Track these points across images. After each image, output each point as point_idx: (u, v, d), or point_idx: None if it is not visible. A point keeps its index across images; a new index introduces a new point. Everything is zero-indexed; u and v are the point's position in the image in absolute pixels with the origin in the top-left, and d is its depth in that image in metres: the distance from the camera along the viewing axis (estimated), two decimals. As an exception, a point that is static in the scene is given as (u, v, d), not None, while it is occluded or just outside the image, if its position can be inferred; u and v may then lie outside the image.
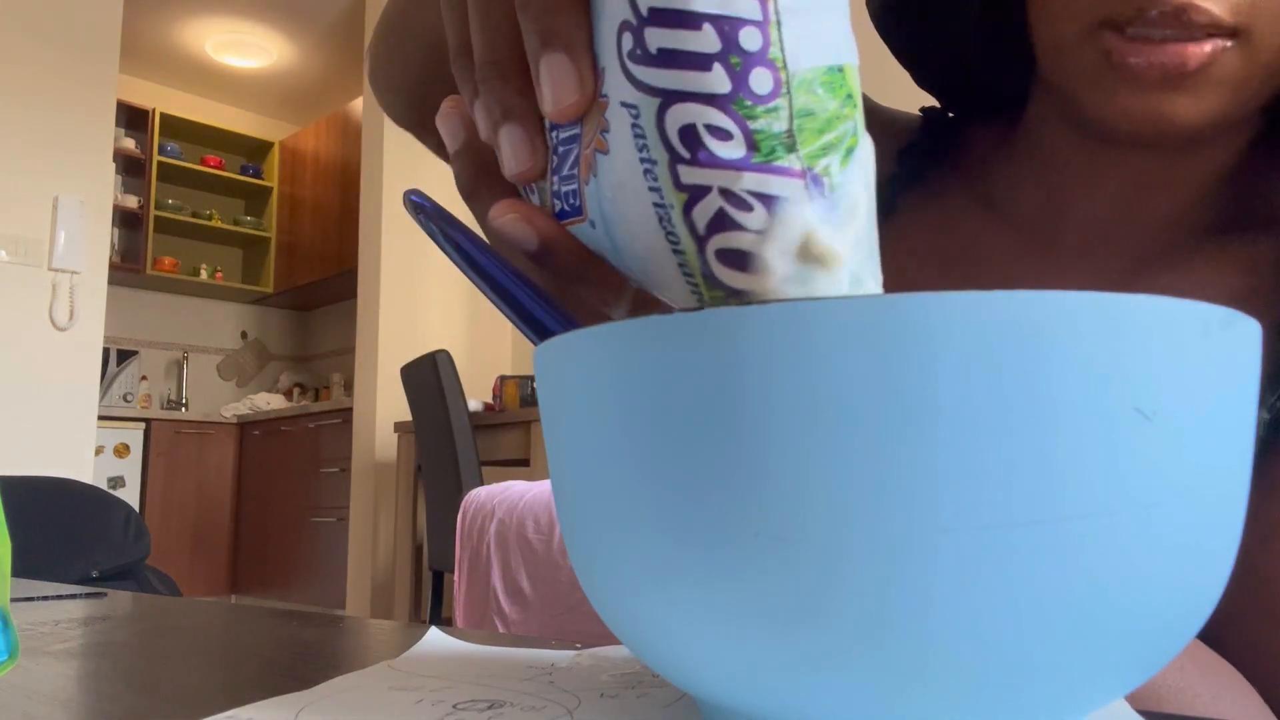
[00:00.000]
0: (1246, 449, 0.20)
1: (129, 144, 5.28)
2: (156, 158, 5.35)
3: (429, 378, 3.03)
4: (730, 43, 0.21)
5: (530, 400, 3.34)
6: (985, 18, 0.50)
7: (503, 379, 3.46)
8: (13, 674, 0.33)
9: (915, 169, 0.55)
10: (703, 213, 0.22)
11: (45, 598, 0.60)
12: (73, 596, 0.61)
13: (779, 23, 0.21)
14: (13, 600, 0.48)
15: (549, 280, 0.31)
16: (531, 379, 3.28)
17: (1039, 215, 0.50)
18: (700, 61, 0.21)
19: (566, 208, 0.27)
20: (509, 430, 3.25)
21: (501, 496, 1.14)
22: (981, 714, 0.19)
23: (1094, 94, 0.42)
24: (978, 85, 0.54)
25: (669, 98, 0.21)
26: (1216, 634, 0.36)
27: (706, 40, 0.21)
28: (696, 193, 0.22)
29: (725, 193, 0.22)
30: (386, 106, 0.57)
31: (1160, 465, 0.18)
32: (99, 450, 4.25)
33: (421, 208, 0.30)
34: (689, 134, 0.21)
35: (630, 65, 0.22)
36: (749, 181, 0.21)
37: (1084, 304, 0.17)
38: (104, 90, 3.47)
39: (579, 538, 0.22)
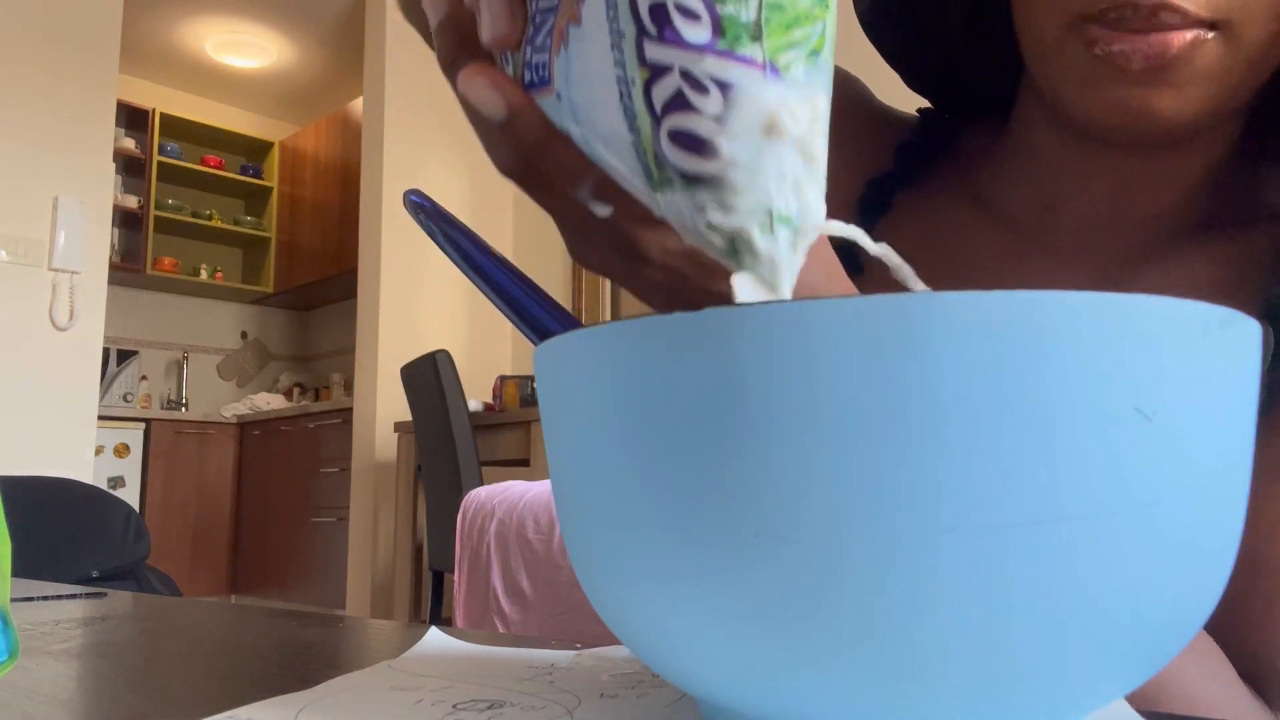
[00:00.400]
0: (1246, 449, 0.20)
1: (129, 144, 5.27)
2: (156, 158, 5.35)
3: (429, 378, 3.02)
4: None
5: (530, 400, 3.34)
6: (971, 19, 0.50)
7: (503, 379, 3.46)
8: (13, 674, 0.33)
9: (911, 167, 0.55)
10: (662, 91, 0.22)
11: (45, 598, 0.60)
12: (73, 596, 0.61)
13: None
14: (13, 600, 0.48)
15: (513, 153, 0.30)
16: (531, 379, 3.28)
17: (1029, 214, 0.50)
18: None
19: (535, 78, 0.27)
20: (509, 430, 3.25)
21: (501, 496, 1.14)
22: (981, 714, 0.19)
23: (1078, 90, 0.43)
24: (966, 86, 0.54)
25: None
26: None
27: None
28: (658, 71, 0.22)
29: (685, 74, 0.22)
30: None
31: (1160, 465, 0.18)
32: (99, 450, 4.24)
33: (421, 208, 0.30)
34: (659, 11, 0.21)
35: None
36: (710, 65, 0.21)
37: (1084, 304, 0.17)
38: (104, 90, 3.47)
39: (579, 538, 0.22)
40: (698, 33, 0.21)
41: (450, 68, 0.30)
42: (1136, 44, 0.39)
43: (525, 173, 0.31)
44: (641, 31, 0.22)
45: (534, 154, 0.29)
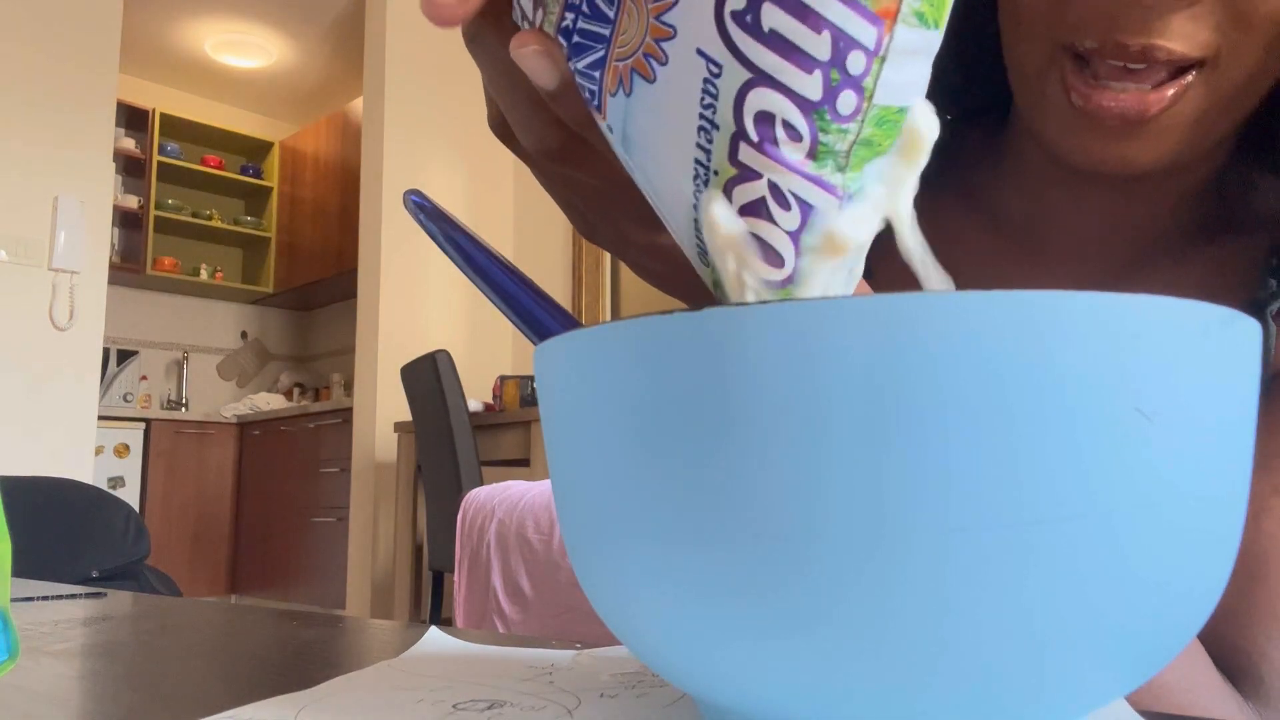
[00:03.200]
0: (1246, 449, 0.20)
1: (129, 144, 5.27)
2: (156, 158, 5.35)
3: (429, 378, 3.02)
4: (839, 58, 0.21)
5: (530, 400, 3.34)
6: (959, 34, 0.50)
7: (503, 379, 3.46)
8: (13, 674, 0.33)
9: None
10: (744, 193, 0.22)
11: (45, 598, 0.60)
12: (73, 596, 0.61)
13: (884, 58, 0.21)
14: (13, 600, 0.48)
15: (555, 127, 0.30)
16: (531, 379, 3.28)
17: (1022, 220, 0.50)
18: (806, 63, 0.21)
19: (585, 92, 0.27)
20: (509, 430, 3.25)
21: (501, 496, 1.14)
22: (982, 714, 0.19)
23: (1056, 131, 0.42)
24: (959, 95, 0.54)
25: (761, 78, 0.22)
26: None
27: (821, 46, 0.21)
28: (747, 174, 0.22)
29: (773, 185, 0.22)
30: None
31: (1161, 465, 0.18)
32: (99, 450, 4.25)
33: (422, 208, 0.30)
34: (764, 120, 0.22)
35: (731, 26, 0.22)
36: (796, 183, 0.22)
37: (1084, 304, 0.17)
38: (104, 90, 3.47)
39: (579, 538, 0.22)
40: (795, 152, 0.22)
41: (473, 39, 0.29)
42: (1114, 102, 0.38)
43: (565, 147, 0.30)
44: (741, 134, 0.22)
45: (582, 126, 0.28)
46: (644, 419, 0.19)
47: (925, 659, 0.18)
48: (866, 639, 0.18)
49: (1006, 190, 0.51)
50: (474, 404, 3.31)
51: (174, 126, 5.46)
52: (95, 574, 2.02)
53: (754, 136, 0.22)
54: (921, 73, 0.22)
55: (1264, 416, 0.27)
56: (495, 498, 1.15)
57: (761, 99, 0.22)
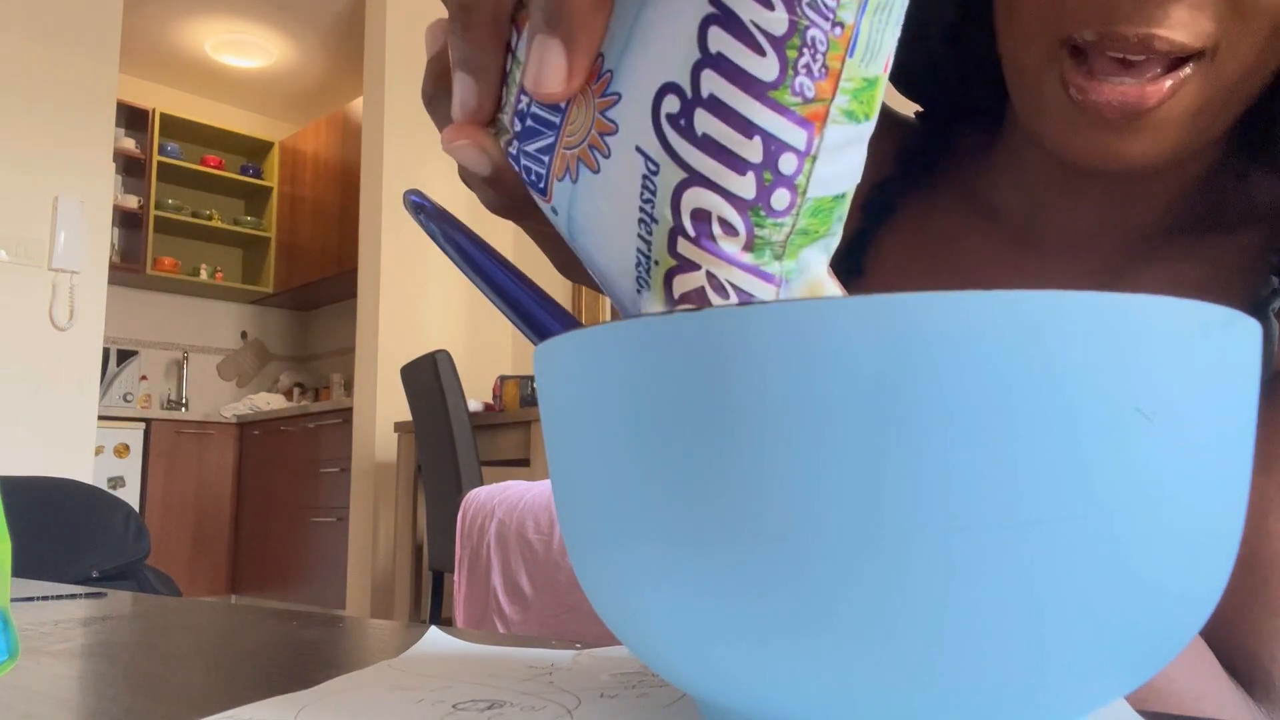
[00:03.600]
0: (1246, 449, 0.20)
1: (129, 144, 5.27)
2: (156, 158, 5.35)
3: (429, 378, 3.02)
4: (770, 161, 0.22)
5: (530, 400, 3.34)
6: (955, 33, 0.50)
7: (503, 379, 3.46)
8: (13, 674, 0.33)
9: (911, 170, 0.55)
10: (683, 283, 0.23)
11: (45, 598, 0.60)
12: (73, 596, 0.61)
13: (815, 157, 0.22)
14: (13, 600, 0.48)
15: (499, 198, 0.31)
16: (531, 379, 3.28)
17: (1020, 219, 0.50)
18: (738, 165, 0.22)
19: (529, 178, 0.27)
20: (509, 430, 3.25)
21: (501, 496, 1.14)
22: (983, 714, 0.19)
23: (1054, 127, 0.42)
24: (955, 95, 0.54)
25: (695, 178, 0.22)
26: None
27: (752, 150, 0.22)
28: (685, 265, 0.23)
29: (710, 276, 0.23)
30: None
31: (1160, 465, 0.18)
32: (99, 450, 4.25)
33: (422, 208, 0.30)
34: (701, 217, 0.22)
35: (667, 129, 0.22)
36: (734, 274, 0.23)
37: (1084, 304, 0.17)
38: (104, 90, 3.47)
39: (579, 538, 0.22)
40: (731, 245, 0.23)
41: (429, 103, 0.31)
42: (1112, 94, 0.38)
43: (513, 211, 0.32)
44: (679, 229, 0.23)
45: (522, 202, 0.30)
46: (644, 419, 0.19)
47: (926, 659, 0.18)
48: (867, 639, 0.18)
49: (1004, 189, 0.51)
50: (474, 404, 3.31)
51: (174, 126, 5.46)
52: (95, 574, 2.02)
53: (691, 232, 0.23)
54: (855, 161, 0.23)
55: (1267, 416, 0.27)
56: (495, 498, 1.15)
57: (697, 197, 0.22)
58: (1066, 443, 0.17)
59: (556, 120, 0.25)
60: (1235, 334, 0.19)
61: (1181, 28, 0.36)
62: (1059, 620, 0.18)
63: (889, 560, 0.17)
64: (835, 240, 0.24)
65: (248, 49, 5.19)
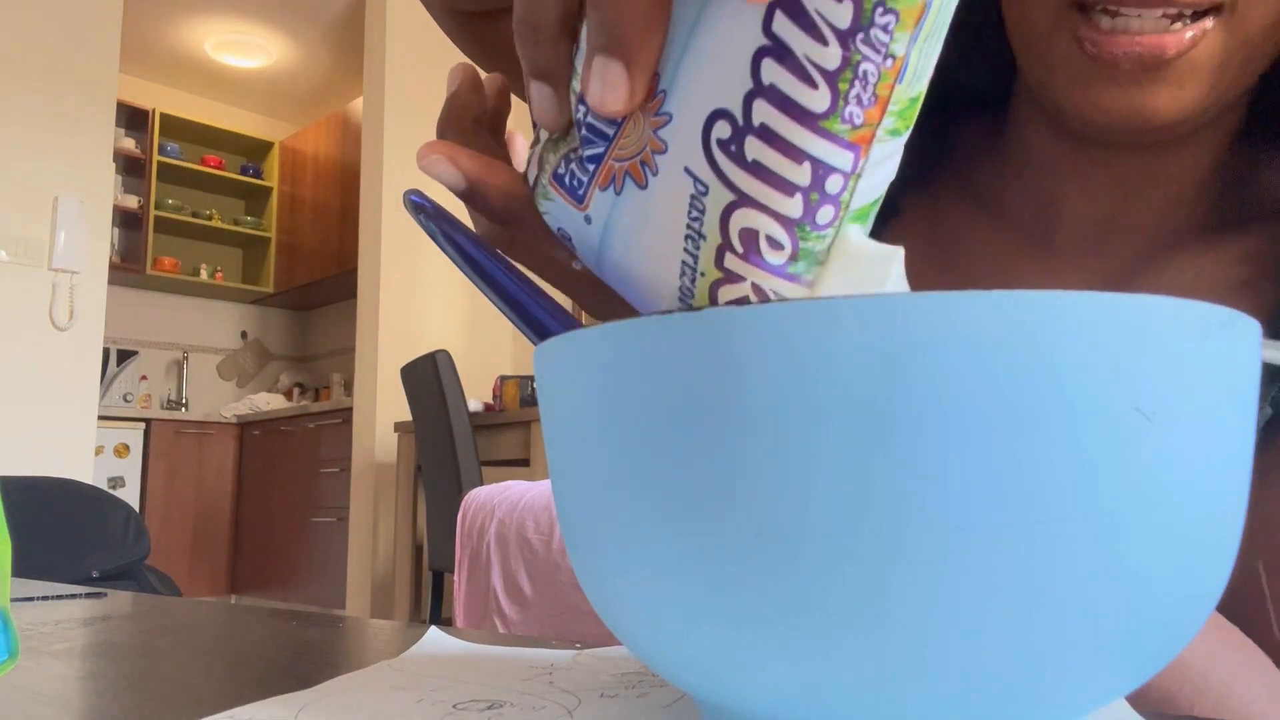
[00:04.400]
0: (1246, 449, 0.20)
1: (129, 144, 5.27)
2: (156, 158, 5.35)
3: (429, 378, 3.02)
4: (818, 182, 0.22)
5: (530, 400, 3.34)
6: (963, 19, 0.49)
7: (503, 379, 3.46)
8: (13, 674, 0.33)
9: (913, 170, 0.55)
10: (729, 293, 0.24)
11: (45, 598, 0.60)
12: (73, 596, 0.61)
13: (860, 175, 0.23)
14: (13, 600, 0.48)
15: (482, 221, 0.32)
16: (531, 379, 3.28)
17: (1030, 215, 0.50)
18: (787, 188, 0.22)
19: (568, 183, 0.28)
20: (509, 430, 3.25)
21: (501, 496, 1.14)
22: (982, 714, 0.19)
23: (1069, 88, 0.41)
24: (957, 84, 0.54)
25: (744, 200, 0.23)
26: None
27: (801, 175, 0.22)
28: (732, 278, 0.24)
29: (756, 287, 0.24)
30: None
31: (1160, 465, 0.18)
32: (99, 450, 4.25)
33: (422, 208, 0.30)
34: (749, 236, 0.23)
35: (717, 153, 0.23)
36: (778, 284, 0.24)
37: (1084, 304, 0.17)
38: (104, 90, 3.47)
39: (579, 538, 0.22)
40: (778, 258, 0.23)
41: (441, 137, 0.32)
42: (1128, 46, 0.37)
43: (500, 238, 0.33)
44: (727, 246, 0.24)
45: (503, 222, 0.31)
46: (643, 419, 0.19)
47: (925, 660, 0.18)
48: (866, 640, 0.18)
49: (1010, 185, 0.51)
50: (474, 404, 3.31)
51: (174, 126, 5.46)
52: (95, 574, 2.02)
53: (739, 248, 0.23)
54: (891, 168, 0.24)
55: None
56: (495, 498, 1.15)
57: (745, 218, 0.23)
58: (1066, 443, 0.17)
59: (611, 133, 0.26)
60: (1235, 334, 0.19)
61: None
62: (1058, 620, 0.18)
63: (889, 560, 0.17)
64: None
65: (248, 49, 5.19)
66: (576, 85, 0.26)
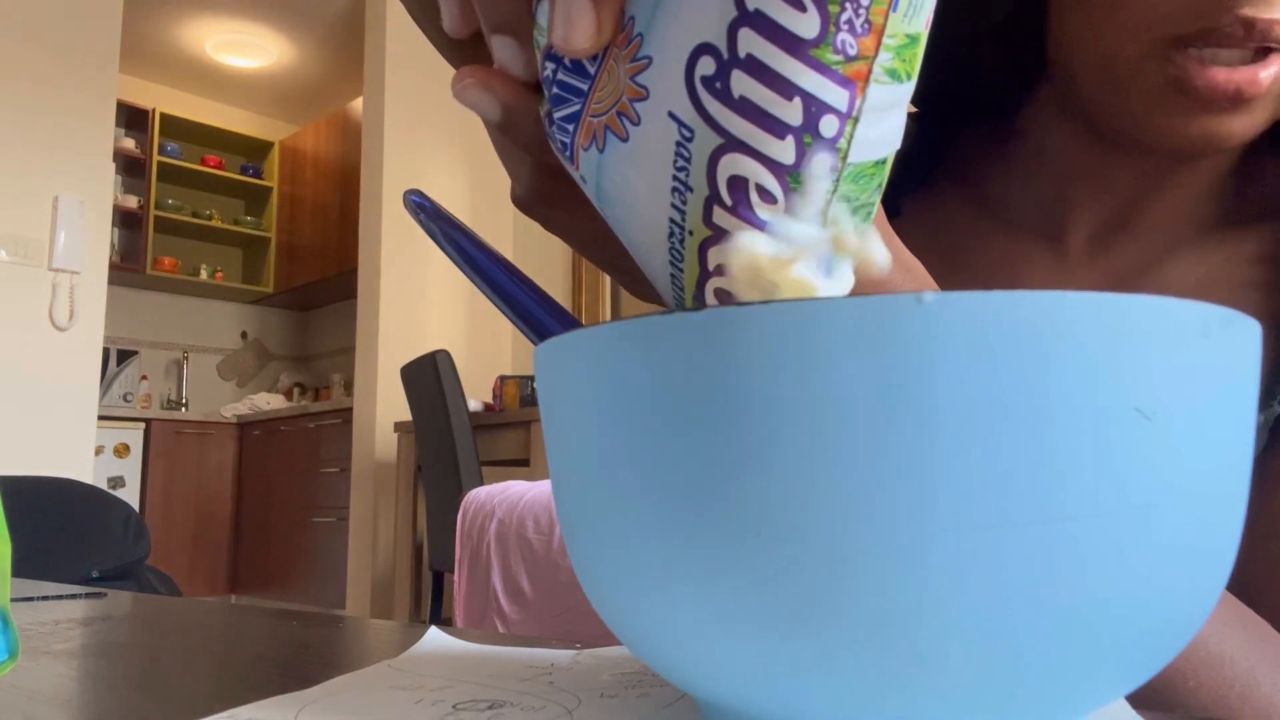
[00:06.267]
0: (1246, 449, 0.20)
1: (129, 144, 5.27)
2: (156, 158, 5.35)
3: (429, 378, 3.02)
4: (811, 123, 0.21)
5: (530, 400, 3.34)
6: (1003, 31, 0.49)
7: (503, 379, 3.46)
8: (13, 674, 0.33)
9: (915, 173, 0.55)
10: (717, 254, 0.22)
11: (45, 598, 0.60)
12: (73, 596, 0.61)
13: (857, 119, 0.21)
14: (13, 600, 0.48)
15: (536, 167, 0.30)
16: (531, 379, 3.28)
17: (1039, 215, 0.50)
18: (777, 128, 0.21)
19: (558, 143, 0.26)
20: (509, 430, 3.25)
21: (501, 496, 1.14)
22: (981, 714, 0.19)
23: (1151, 113, 0.42)
24: (967, 85, 0.54)
25: (732, 143, 0.21)
26: None
27: (792, 112, 0.21)
28: (720, 235, 0.22)
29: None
30: None
31: (1160, 465, 0.18)
32: (99, 450, 4.25)
33: (422, 208, 0.30)
34: (738, 184, 0.22)
35: (702, 91, 0.22)
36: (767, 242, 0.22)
37: (1084, 304, 0.17)
38: (104, 90, 3.47)
39: (579, 538, 0.22)
40: (770, 213, 0.21)
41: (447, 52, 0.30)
42: (1228, 78, 0.39)
43: (545, 189, 0.31)
44: (715, 198, 0.22)
45: (541, 148, 0.28)
46: (643, 419, 0.19)
47: (924, 659, 0.18)
48: (866, 640, 0.18)
49: (1021, 188, 0.51)
50: (474, 404, 3.31)
51: (174, 126, 5.46)
52: (95, 574, 2.02)
53: (728, 200, 0.22)
54: (896, 124, 0.22)
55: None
56: (495, 498, 1.15)
57: (734, 164, 0.21)
58: (1065, 443, 0.17)
59: (585, 87, 0.25)
60: (1235, 334, 0.19)
61: None
62: (1058, 620, 0.18)
63: (888, 559, 0.17)
64: (874, 209, 0.23)
65: (248, 49, 5.19)
66: (542, 39, 0.25)
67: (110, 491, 2.44)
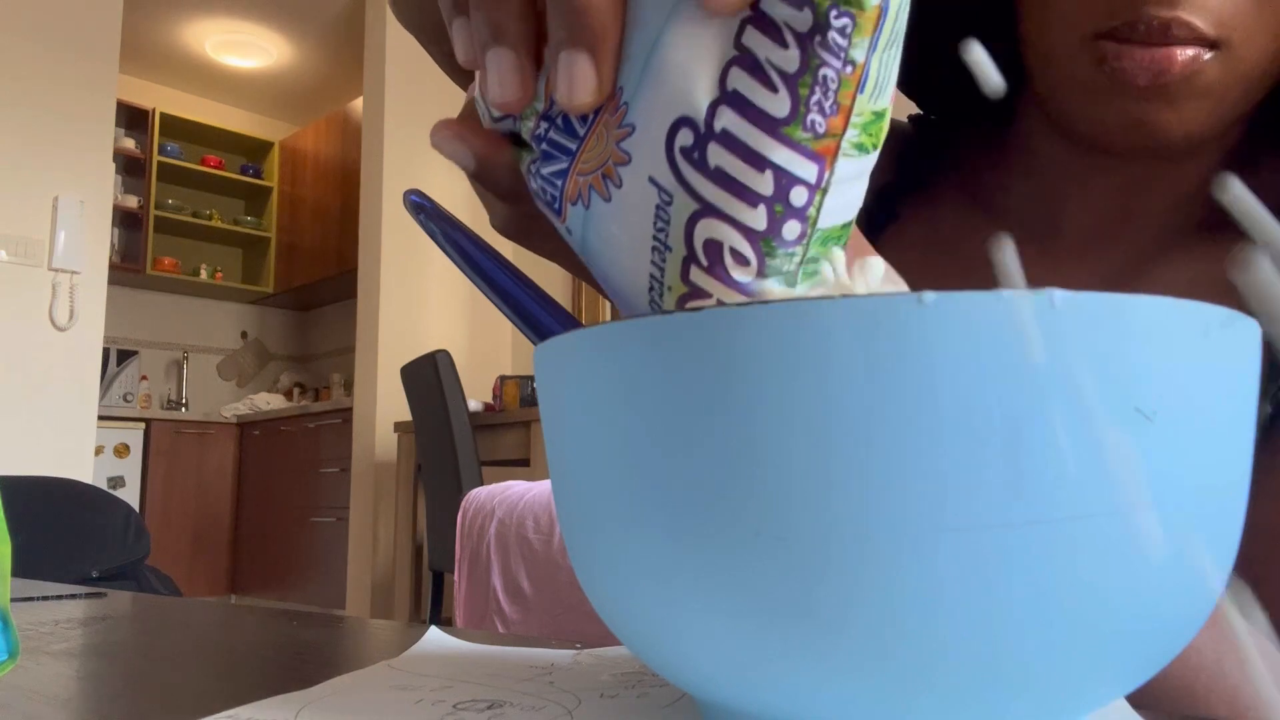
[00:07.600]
0: (1246, 449, 0.20)
1: (129, 144, 5.27)
2: (156, 158, 5.35)
3: (429, 378, 3.02)
4: (781, 193, 0.22)
5: (530, 400, 3.34)
6: (981, 33, 0.49)
7: (503, 379, 3.46)
8: (13, 674, 0.33)
9: (913, 174, 0.55)
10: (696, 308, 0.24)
11: (45, 598, 0.60)
12: (73, 596, 0.61)
13: (826, 190, 0.22)
14: (13, 600, 0.48)
15: (496, 206, 0.31)
16: (531, 379, 3.28)
17: (1032, 217, 0.51)
18: (750, 197, 0.22)
19: (545, 196, 0.28)
20: (509, 430, 3.25)
21: (501, 496, 1.14)
22: (982, 714, 0.19)
23: (1084, 103, 0.44)
24: (963, 95, 0.54)
25: (708, 209, 0.23)
26: None
27: (764, 183, 0.22)
28: (697, 292, 0.24)
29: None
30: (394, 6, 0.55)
31: (1160, 465, 0.18)
32: (99, 450, 4.24)
33: (421, 208, 0.30)
34: (713, 247, 0.23)
35: (680, 161, 0.23)
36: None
37: (1083, 305, 0.17)
38: (104, 90, 3.47)
39: (579, 538, 0.22)
40: (743, 274, 0.23)
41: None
42: (1142, 58, 0.40)
43: (520, 233, 0.33)
44: (692, 259, 0.23)
45: (513, 195, 0.30)
46: (643, 418, 0.19)
47: (925, 659, 0.18)
48: (866, 638, 0.18)
49: (1014, 189, 0.52)
50: (474, 404, 3.31)
51: (174, 126, 5.46)
52: (95, 574, 2.02)
53: (703, 261, 0.23)
54: (860, 189, 0.24)
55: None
56: (495, 498, 1.15)
57: (709, 228, 0.23)
58: (1066, 443, 0.17)
59: (574, 147, 0.26)
60: (1235, 334, 0.19)
61: (1203, 13, 0.39)
62: (1059, 620, 0.18)
63: (888, 560, 0.17)
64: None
65: (248, 49, 5.19)
66: (539, 104, 0.26)
67: (110, 491, 2.44)
